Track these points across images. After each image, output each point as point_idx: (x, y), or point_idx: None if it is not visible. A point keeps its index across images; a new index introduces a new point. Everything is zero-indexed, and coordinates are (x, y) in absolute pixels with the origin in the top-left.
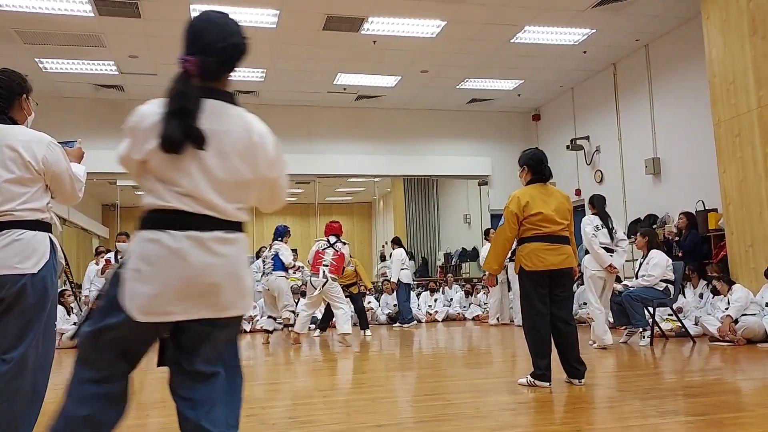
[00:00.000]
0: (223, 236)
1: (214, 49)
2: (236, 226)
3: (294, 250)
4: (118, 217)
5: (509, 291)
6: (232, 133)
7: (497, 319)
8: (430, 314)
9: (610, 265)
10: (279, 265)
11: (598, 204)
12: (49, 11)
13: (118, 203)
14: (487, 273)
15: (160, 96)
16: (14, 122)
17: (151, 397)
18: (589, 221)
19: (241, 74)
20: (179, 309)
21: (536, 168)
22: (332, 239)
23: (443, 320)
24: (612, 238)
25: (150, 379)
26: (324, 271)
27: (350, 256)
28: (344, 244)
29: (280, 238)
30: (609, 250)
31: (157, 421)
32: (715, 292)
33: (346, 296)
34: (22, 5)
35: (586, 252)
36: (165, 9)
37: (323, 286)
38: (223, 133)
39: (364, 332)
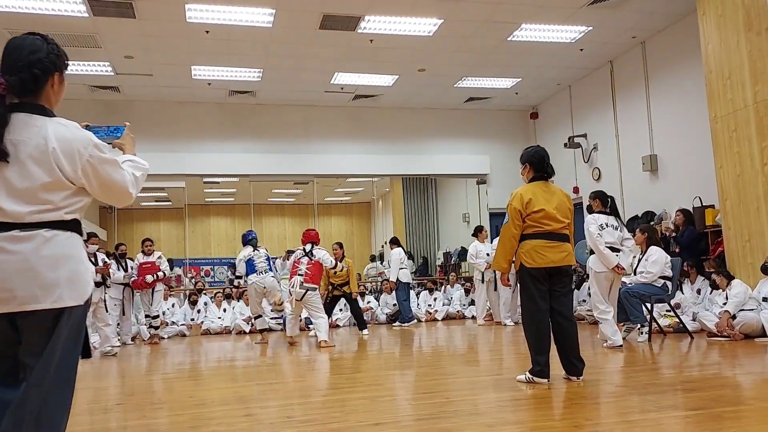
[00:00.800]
0: (17, 235)
1: (15, 69)
2: (44, 226)
3: (291, 251)
4: (116, 219)
5: (495, 290)
6: (29, 142)
7: (484, 319)
8: (430, 313)
9: (617, 266)
10: (271, 266)
11: (612, 204)
12: (43, 12)
13: (114, 205)
14: (499, 273)
15: (155, 97)
16: None
17: (150, 398)
18: (593, 220)
19: (238, 74)
20: None
21: (538, 165)
22: (308, 247)
23: (443, 319)
24: (623, 227)
25: (148, 381)
26: (300, 281)
27: (343, 257)
28: (319, 249)
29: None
30: (615, 250)
31: (157, 422)
32: (714, 287)
33: (340, 296)
34: (15, 5)
35: (591, 252)
36: (160, 9)
37: (302, 297)
38: (21, 142)
39: (362, 332)
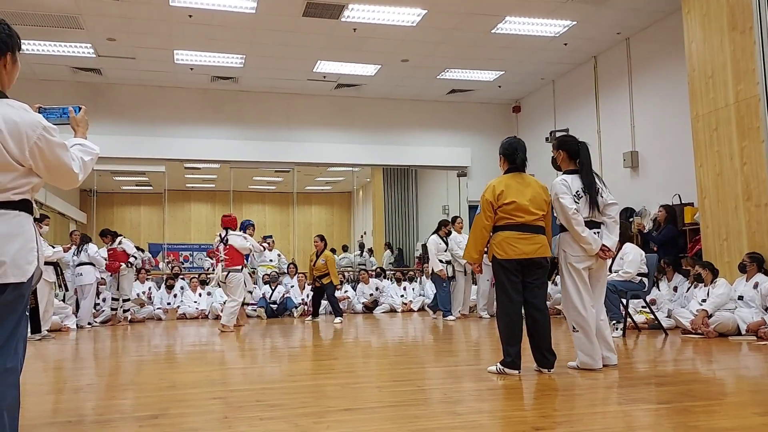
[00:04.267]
0: None
1: None
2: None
3: (269, 236)
4: (95, 202)
5: (474, 283)
6: None
7: (459, 311)
8: (405, 304)
9: (602, 248)
10: None
11: (584, 154)
12: None
13: (94, 188)
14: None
15: (137, 80)
16: None
17: (121, 380)
18: (565, 187)
19: (221, 60)
20: None
21: (510, 157)
22: (224, 233)
23: (418, 310)
24: (596, 205)
25: (123, 363)
26: (221, 266)
27: (323, 250)
28: (234, 235)
29: (242, 230)
30: (593, 225)
31: (125, 403)
32: (699, 280)
33: (318, 287)
34: None
35: (561, 228)
36: None
37: (225, 278)
38: None
39: (335, 319)
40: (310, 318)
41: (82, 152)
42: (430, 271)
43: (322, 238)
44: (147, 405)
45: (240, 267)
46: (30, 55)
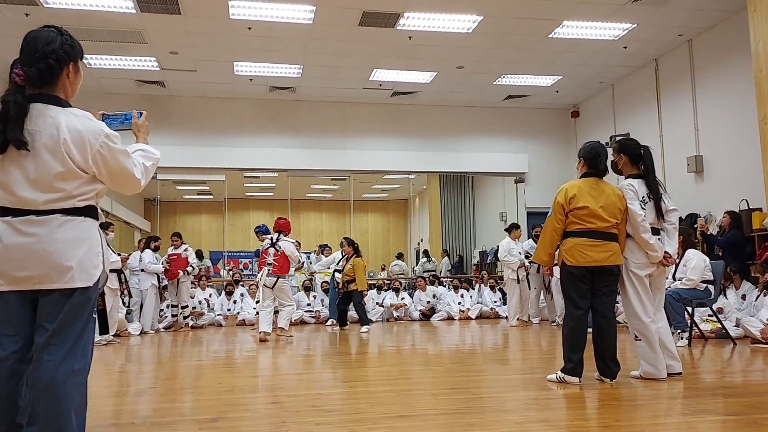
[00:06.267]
0: (33, 219)
1: (32, 60)
2: (59, 212)
3: (325, 245)
4: (158, 211)
5: (530, 289)
6: (43, 132)
7: (517, 319)
8: (463, 311)
9: (665, 255)
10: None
11: (646, 158)
12: (93, 8)
13: (158, 197)
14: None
15: (198, 92)
16: None
17: (182, 383)
18: (633, 191)
19: (279, 70)
20: (2, 281)
21: (591, 162)
22: (275, 237)
23: (476, 318)
24: (661, 211)
25: (183, 367)
26: (268, 271)
27: (352, 255)
28: (286, 241)
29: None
30: (654, 231)
31: (186, 406)
32: None
33: (345, 293)
34: (66, 3)
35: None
36: (204, 5)
37: (274, 284)
38: (37, 132)
39: (362, 329)
40: (337, 328)
41: (144, 158)
42: None
43: (350, 242)
44: (206, 408)
45: (286, 274)
46: (97, 69)
